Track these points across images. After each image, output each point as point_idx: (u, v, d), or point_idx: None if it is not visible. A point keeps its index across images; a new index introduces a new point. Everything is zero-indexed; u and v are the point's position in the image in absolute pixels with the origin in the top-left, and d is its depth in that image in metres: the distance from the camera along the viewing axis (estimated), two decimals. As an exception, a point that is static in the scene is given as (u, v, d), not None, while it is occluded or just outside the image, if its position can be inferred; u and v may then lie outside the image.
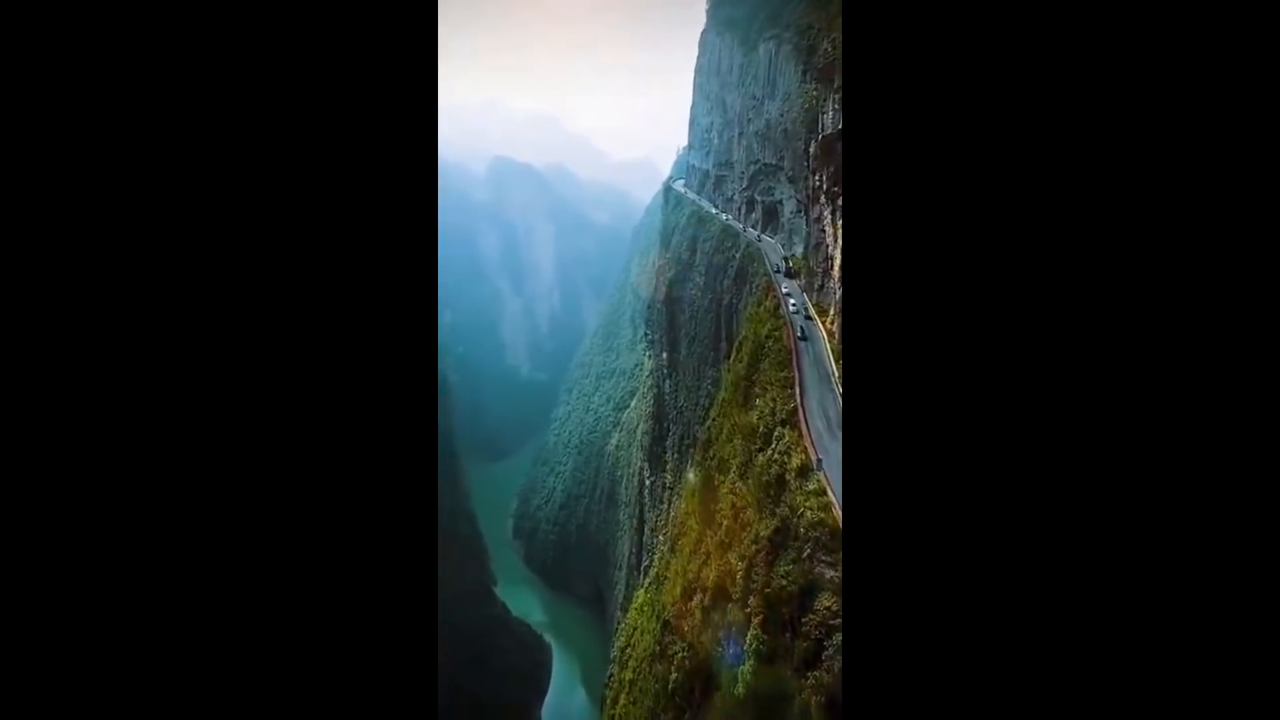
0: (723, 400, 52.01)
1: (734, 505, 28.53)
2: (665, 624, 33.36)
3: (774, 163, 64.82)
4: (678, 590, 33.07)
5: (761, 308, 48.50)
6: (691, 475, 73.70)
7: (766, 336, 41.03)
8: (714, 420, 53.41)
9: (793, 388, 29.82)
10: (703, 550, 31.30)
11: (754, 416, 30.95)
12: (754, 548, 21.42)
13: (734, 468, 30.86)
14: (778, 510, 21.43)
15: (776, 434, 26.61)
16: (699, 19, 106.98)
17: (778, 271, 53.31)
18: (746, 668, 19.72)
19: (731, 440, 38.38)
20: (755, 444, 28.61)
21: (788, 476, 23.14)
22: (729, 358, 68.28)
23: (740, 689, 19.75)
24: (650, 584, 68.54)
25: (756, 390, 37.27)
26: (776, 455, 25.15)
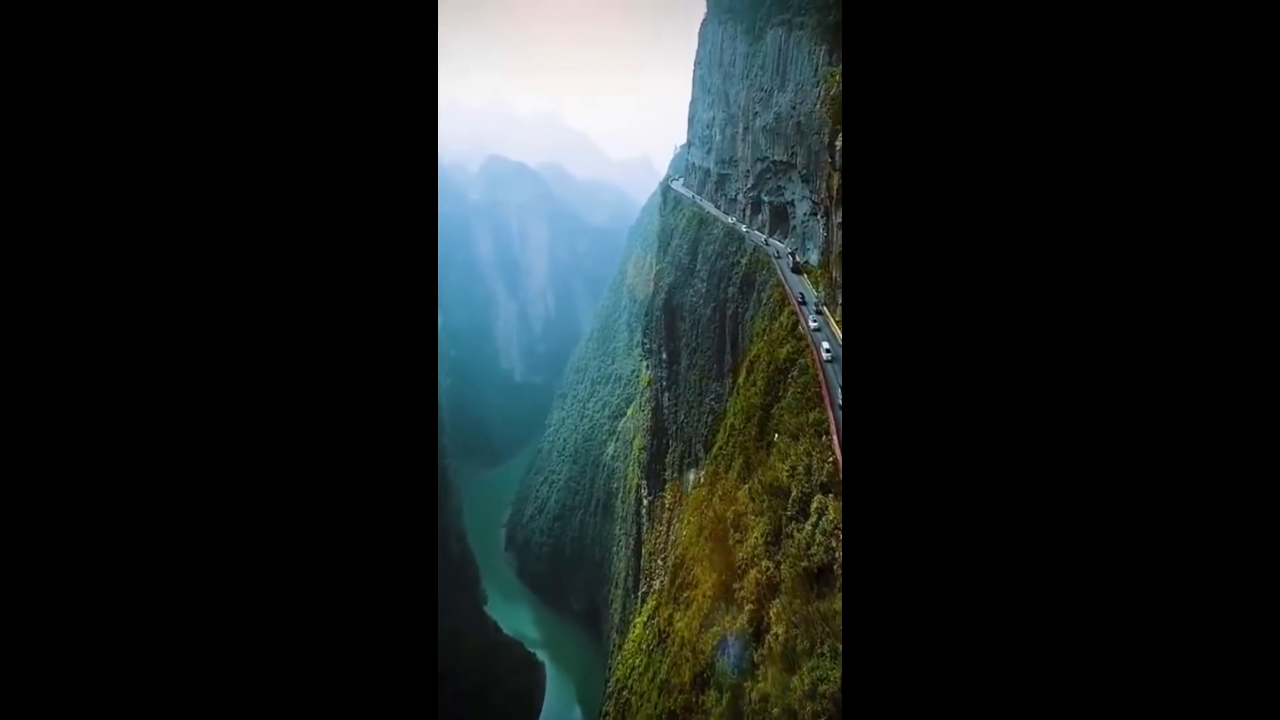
0: (731, 426, 46.40)
1: (759, 583, 22.88)
2: (673, 714, 27.72)
3: (784, 160, 59.17)
4: (686, 674, 27.44)
5: (776, 324, 42.76)
6: (692, 497, 68.50)
7: (786, 361, 35.30)
8: (721, 449, 47.80)
9: (829, 434, 24.20)
10: (716, 631, 25.69)
11: (782, 470, 25.24)
12: (812, 708, 15.63)
13: (758, 532, 25.16)
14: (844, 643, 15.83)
15: (816, 504, 20.89)
16: (699, 11, 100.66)
17: (803, 303, 43.78)
18: None
19: (747, 484, 32.75)
20: (787, 510, 22.87)
21: (839, 570, 17.53)
22: (734, 372, 62.82)
23: None
24: (649, 620, 64.06)
25: (778, 428, 31.63)
26: (820, 537, 19.42)
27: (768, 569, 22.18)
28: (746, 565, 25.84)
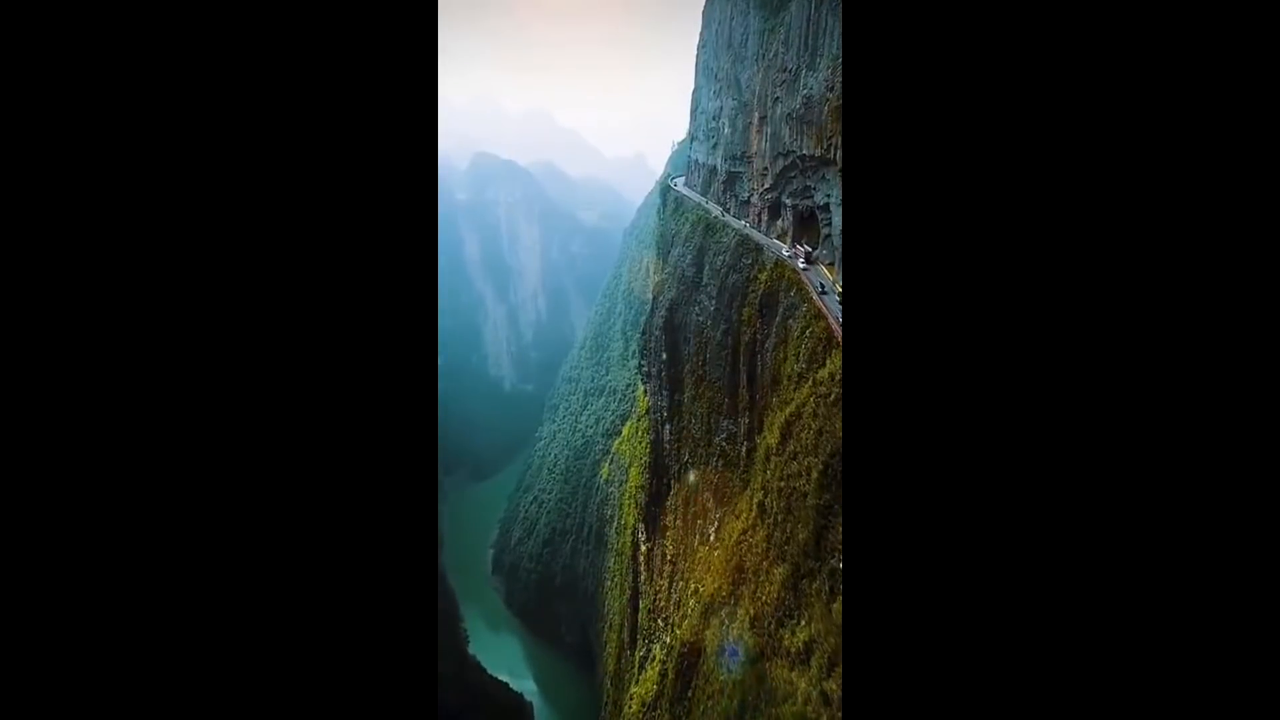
0: (760, 504, 35.23)
1: None
2: None
3: (815, 154, 48.08)
4: None
5: (823, 371, 31.66)
6: (699, 555, 57.72)
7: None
8: (745, 534, 36.60)
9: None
10: None
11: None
12: None
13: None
14: None
15: None
16: (698, 7, 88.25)
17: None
18: None
19: (804, 632, 21.74)
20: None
21: None
22: (752, 413, 51.83)
23: None
24: (649, 711, 53.66)
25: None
26: None
27: None
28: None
